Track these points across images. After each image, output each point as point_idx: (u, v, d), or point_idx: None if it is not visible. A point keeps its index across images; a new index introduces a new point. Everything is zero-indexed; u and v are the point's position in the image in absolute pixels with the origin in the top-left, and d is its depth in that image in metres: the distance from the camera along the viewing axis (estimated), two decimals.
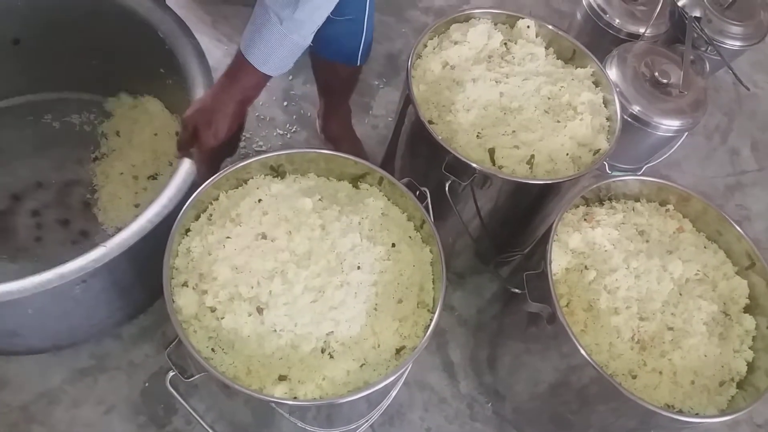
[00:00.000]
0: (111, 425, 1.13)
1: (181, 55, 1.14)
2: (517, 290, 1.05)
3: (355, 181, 1.03)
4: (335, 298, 0.87)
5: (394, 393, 1.05)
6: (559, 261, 1.03)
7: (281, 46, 0.90)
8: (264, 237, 0.90)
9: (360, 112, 1.59)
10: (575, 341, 0.91)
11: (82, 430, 1.11)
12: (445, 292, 0.92)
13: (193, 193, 0.91)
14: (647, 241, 1.08)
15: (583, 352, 0.90)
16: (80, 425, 1.12)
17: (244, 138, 1.49)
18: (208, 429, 0.94)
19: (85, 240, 1.24)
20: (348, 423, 1.05)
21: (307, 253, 0.89)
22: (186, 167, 0.96)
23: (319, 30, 0.94)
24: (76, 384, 1.15)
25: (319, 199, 0.96)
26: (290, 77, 1.62)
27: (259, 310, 0.85)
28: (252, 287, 0.86)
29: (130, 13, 1.19)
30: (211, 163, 0.96)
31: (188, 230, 0.94)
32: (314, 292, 0.87)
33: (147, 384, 1.16)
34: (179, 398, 0.88)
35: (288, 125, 1.55)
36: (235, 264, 0.87)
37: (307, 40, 0.92)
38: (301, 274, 0.87)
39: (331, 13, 0.91)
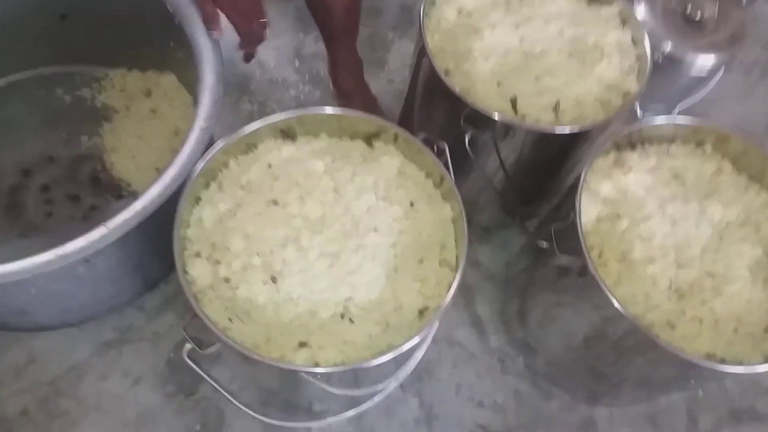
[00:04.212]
0: (139, 396, 1.13)
1: (189, 27, 1.09)
2: (545, 244, 1.00)
3: (369, 139, 0.98)
4: (352, 262, 0.84)
5: (421, 353, 1.03)
6: (589, 211, 0.97)
7: None
8: (275, 203, 0.86)
9: (374, 67, 1.53)
10: (608, 294, 0.87)
11: (111, 403, 1.12)
12: (471, 247, 0.88)
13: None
14: (683, 185, 1.02)
15: (616, 304, 0.86)
16: (108, 397, 1.12)
17: (257, 102, 1.45)
18: (231, 399, 0.93)
19: (96, 215, 1.22)
20: (376, 383, 1.03)
21: (320, 218, 0.86)
22: (190, 146, 0.91)
23: None
24: (103, 357, 1.15)
25: (332, 161, 0.92)
26: (300, 34, 1.57)
27: (273, 279, 0.82)
28: (265, 256, 0.83)
29: None
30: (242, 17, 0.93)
31: (199, 199, 0.91)
32: (330, 258, 0.83)
33: (172, 354, 1.16)
34: (199, 370, 0.86)
35: (301, 85, 1.50)
36: (247, 232, 0.84)
37: None
38: (314, 239, 0.83)
39: None
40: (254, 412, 1.13)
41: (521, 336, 1.23)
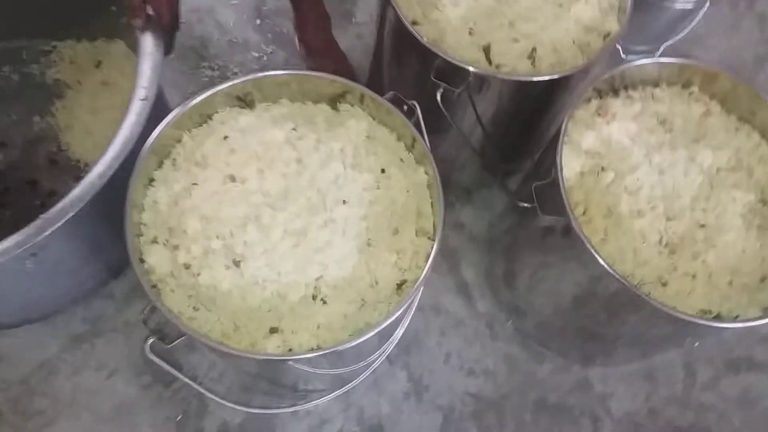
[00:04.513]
0: (115, 389, 1.08)
1: None
2: (526, 204, 0.95)
3: (334, 102, 0.91)
4: (320, 239, 0.78)
5: (404, 325, 0.98)
6: (571, 165, 0.91)
7: None
8: (233, 179, 0.80)
9: (342, 21, 1.44)
10: (594, 253, 0.81)
11: (86, 398, 1.07)
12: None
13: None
14: (670, 131, 0.96)
15: (603, 263, 0.81)
16: (83, 392, 1.07)
17: (217, 67, 1.36)
18: (205, 392, 0.88)
19: (55, 200, 1.15)
20: (360, 360, 0.99)
21: (282, 193, 0.79)
22: (131, 120, 0.84)
23: None
24: (74, 351, 1.10)
25: (293, 128, 0.85)
26: None
27: (236, 263, 0.76)
28: (224, 238, 0.76)
29: None
30: None
31: (153, 180, 0.84)
32: (295, 236, 0.77)
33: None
34: (165, 365, 0.81)
35: (263, 46, 1.41)
36: (204, 213, 0.78)
37: None
38: (277, 217, 0.77)
39: None
40: (237, 398, 1.10)
41: (509, 299, 1.18)
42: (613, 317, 0.93)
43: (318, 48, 1.34)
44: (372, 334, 0.76)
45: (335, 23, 1.36)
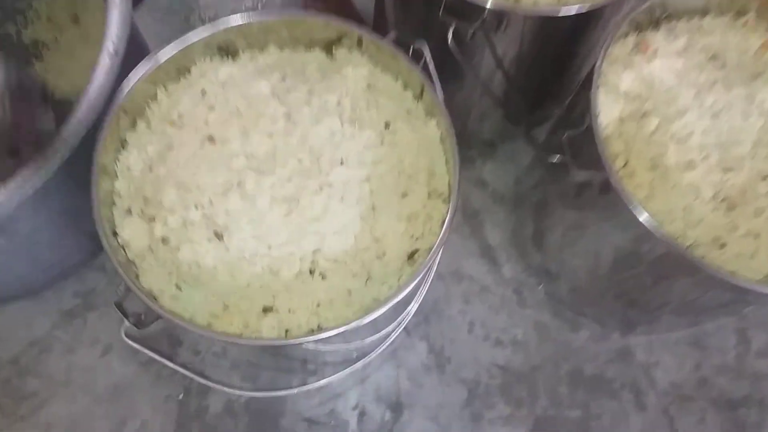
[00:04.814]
0: (111, 367, 1.00)
1: None
2: (556, 158, 0.83)
3: (330, 47, 0.80)
4: (315, 206, 0.67)
5: (422, 295, 0.88)
6: (608, 111, 0.79)
7: None
8: (211, 140, 0.69)
9: None
10: (636, 215, 0.70)
11: (81, 376, 1.00)
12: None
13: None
14: (723, 67, 0.83)
15: (647, 224, 0.70)
16: (78, 371, 1.00)
17: (208, 18, 1.25)
18: (199, 378, 0.80)
19: None
20: (375, 332, 0.90)
21: (269, 155, 0.68)
22: (99, 78, 0.73)
23: None
24: (66, 327, 1.02)
25: (281, 80, 0.73)
26: None
27: (218, 235, 0.66)
28: (204, 207, 0.67)
29: None
30: None
31: (126, 142, 0.74)
32: (286, 204, 0.67)
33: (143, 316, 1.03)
34: (148, 351, 0.73)
35: None
36: (180, 180, 0.68)
37: None
38: (264, 182, 0.67)
39: None
40: (243, 373, 1.02)
41: (538, 262, 1.07)
42: (659, 283, 0.82)
43: None
44: (381, 312, 0.66)
45: None
